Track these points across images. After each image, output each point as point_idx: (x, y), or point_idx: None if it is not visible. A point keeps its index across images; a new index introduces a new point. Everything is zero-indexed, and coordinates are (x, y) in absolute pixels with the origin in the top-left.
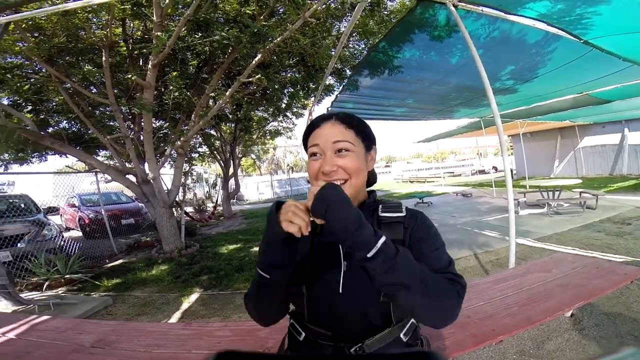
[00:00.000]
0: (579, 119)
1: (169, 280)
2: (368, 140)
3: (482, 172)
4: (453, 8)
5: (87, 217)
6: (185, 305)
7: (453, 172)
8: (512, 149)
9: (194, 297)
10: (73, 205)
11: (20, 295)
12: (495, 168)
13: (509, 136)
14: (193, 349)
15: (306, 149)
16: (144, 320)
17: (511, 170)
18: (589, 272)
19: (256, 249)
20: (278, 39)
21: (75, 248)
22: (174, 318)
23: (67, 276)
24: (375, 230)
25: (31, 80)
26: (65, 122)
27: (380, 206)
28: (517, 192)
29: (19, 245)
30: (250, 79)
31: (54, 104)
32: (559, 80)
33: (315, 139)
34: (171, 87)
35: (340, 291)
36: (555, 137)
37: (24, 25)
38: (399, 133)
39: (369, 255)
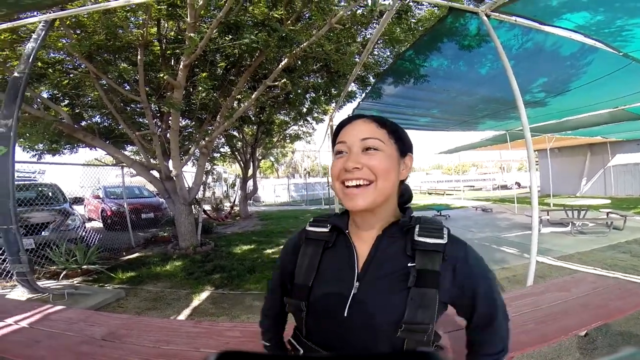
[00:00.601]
0: (611, 135)
1: (182, 277)
2: (403, 144)
3: (504, 187)
4: (485, 18)
5: (110, 209)
6: (196, 302)
7: (474, 186)
8: (537, 164)
9: (204, 295)
10: (97, 197)
11: (37, 283)
12: (518, 184)
13: (535, 151)
14: (202, 347)
15: (333, 150)
16: (154, 315)
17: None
18: (610, 292)
19: (269, 250)
20: (304, 44)
21: (95, 239)
22: (183, 315)
23: (85, 267)
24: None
25: (70, 75)
26: (97, 117)
27: (418, 227)
28: (540, 210)
29: (43, 233)
30: (276, 83)
31: (88, 99)
32: (593, 93)
33: (343, 136)
34: (200, 88)
35: (345, 314)
36: (585, 153)
37: (68, 22)
38: (419, 142)
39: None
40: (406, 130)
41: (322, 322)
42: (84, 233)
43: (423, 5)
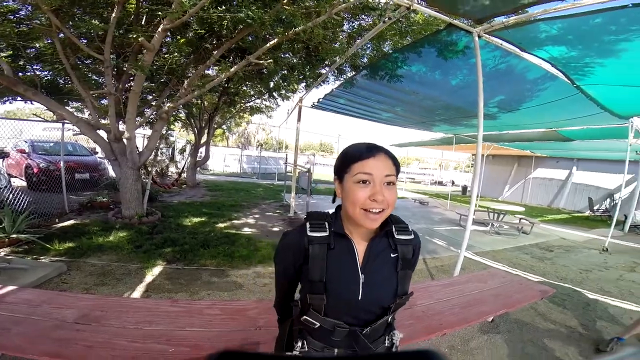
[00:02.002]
0: (538, 151)
1: (129, 249)
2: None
3: (440, 183)
4: (477, 38)
5: (37, 166)
6: (149, 278)
7: (414, 179)
8: (472, 166)
9: (157, 269)
10: (21, 151)
11: None
12: (452, 182)
13: (472, 155)
14: (186, 326)
15: (343, 171)
16: (105, 292)
17: (465, 187)
18: (514, 287)
19: (222, 225)
20: (299, 28)
21: (23, 202)
22: (138, 291)
23: (14, 236)
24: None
25: (20, 26)
26: (44, 71)
27: (394, 227)
28: (466, 209)
29: None
30: (261, 61)
31: (32, 50)
32: (537, 114)
33: (367, 167)
34: (175, 53)
35: (359, 298)
36: (513, 163)
37: None
38: (373, 132)
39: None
40: (367, 121)
41: (339, 305)
42: (9, 194)
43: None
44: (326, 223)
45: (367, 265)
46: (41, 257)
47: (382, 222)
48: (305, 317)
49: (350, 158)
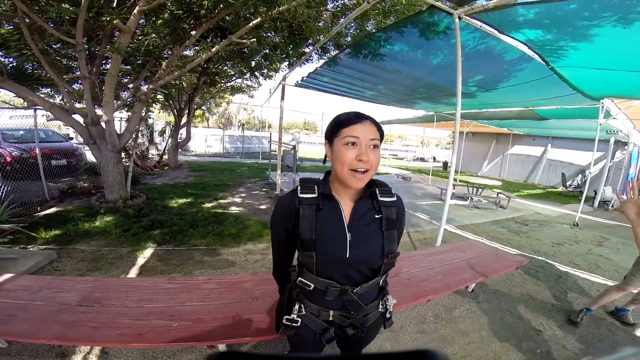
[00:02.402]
0: (516, 129)
1: (118, 233)
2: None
3: (422, 159)
4: (457, 20)
5: (9, 155)
6: (141, 260)
7: (397, 155)
8: (452, 143)
9: (148, 252)
10: None
11: None
12: (433, 157)
13: (452, 132)
14: (186, 301)
15: (333, 135)
16: (99, 276)
17: (446, 163)
18: (491, 257)
19: (208, 205)
20: (283, 7)
21: (1, 192)
22: (132, 274)
23: None
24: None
25: None
26: (8, 58)
27: (377, 190)
28: (446, 184)
29: None
30: (244, 41)
31: None
32: (513, 93)
33: (355, 130)
34: (152, 34)
35: (347, 256)
36: (491, 141)
37: None
38: (357, 109)
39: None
40: (350, 99)
41: (328, 263)
42: None
43: None
44: (315, 186)
45: (353, 224)
46: (29, 246)
47: (367, 185)
48: (300, 278)
49: (340, 123)
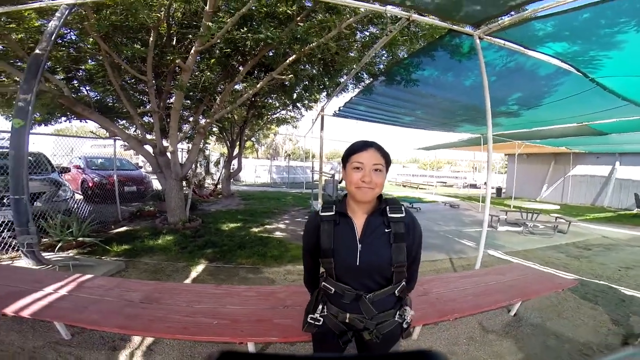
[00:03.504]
0: (576, 147)
1: (176, 250)
2: (388, 165)
3: (473, 186)
4: (478, 40)
5: (92, 180)
6: (194, 274)
7: (446, 182)
8: (506, 167)
9: (200, 267)
10: (77, 167)
11: (42, 254)
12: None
13: (505, 155)
14: (228, 304)
15: (345, 161)
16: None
17: (500, 189)
18: (532, 279)
19: (255, 229)
20: (314, 44)
21: (84, 211)
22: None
23: (80, 239)
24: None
25: (71, 50)
26: (94, 92)
27: (388, 207)
28: (499, 210)
29: (36, 204)
30: (283, 77)
31: (82, 73)
32: (561, 109)
33: (360, 157)
34: (208, 72)
35: (358, 263)
36: (549, 162)
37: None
38: (399, 136)
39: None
40: (390, 126)
41: (344, 270)
42: (73, 204)
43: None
44: (334, 206)
45: (364, 237)
46: (103, 257)
47: (379, 204)
48: (324, 283)
49: (349, 151)
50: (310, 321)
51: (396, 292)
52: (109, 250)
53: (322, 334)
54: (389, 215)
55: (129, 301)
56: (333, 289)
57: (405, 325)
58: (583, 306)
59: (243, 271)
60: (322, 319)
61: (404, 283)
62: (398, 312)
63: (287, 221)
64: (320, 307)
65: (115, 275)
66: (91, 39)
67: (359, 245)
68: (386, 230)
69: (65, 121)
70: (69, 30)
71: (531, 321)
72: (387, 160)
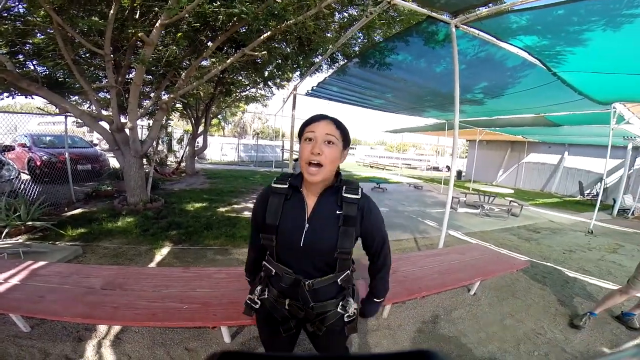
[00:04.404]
0: (531, 136)
1: (137, 233)
2: (346, 142)
3: (436, 168)
4: (454, 29)
5: (40, 159)
6: (158, 257)
7: (410, 165)
8: (467, 152)
9: (165, 250)
10: (23, 145)
11: None
12: (448, 167)
13: (467, 140)
14: (197, 288)
15: (300, 136)
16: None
17: (460, 172)
18: (490, 259)
19: (222, 209)
20: (291, 21)
21: (33, 193)
22: None
23: (29, 223)
24: (378, 300)
25: (17, 23)
26: (42, 67)
27: (344, 187)
28: (459, 192)
29: None
30: (256, 53)
31: (28, 46)
32: (522, 100)
33: (312, 127)
34: (173, 47)
35: (301, 244)
36: (506, 149)
37: None
38: (368, 119)
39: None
40: (361, 108)
41: (286, 250)
42: (19, 185)
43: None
44: (289, 179)
45: (313, 216)
46: (57, 242)
47: (335, 182)
48: (264, 262)
49: (304, 124)
50: (248, 302)
51: (339, 280)
52: (64, 235)
53: (264, 319)
54: (343, 194)
55: (90, 288)
56: (274, 270)
57: (347, 319)
58: (533, 287)
59: (211, 253)
60: (259, 302)
61: (348, 272)
62: (341, 303)
63: (255, 200)
64: (259, 288)
65: (73, 261)
66: (42, 12)
67: (306, 225)
68: (337, 212)
69: (8, 97)
70: (16, 3)
71: (489, 300)
72: (344, 135)
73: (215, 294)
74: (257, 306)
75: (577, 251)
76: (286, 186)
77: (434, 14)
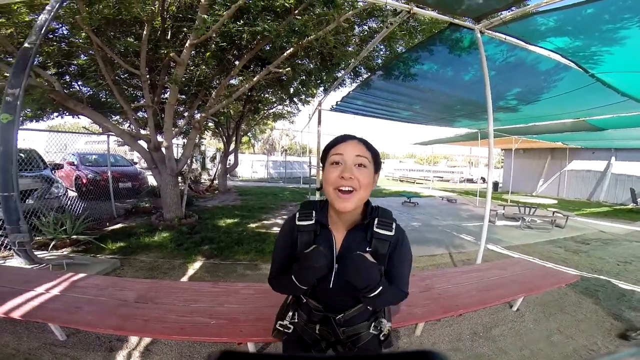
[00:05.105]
0: (571, 142)
1: (172, 247)
2: (377, 165)
3: (470, 180)
4: (479, 35)
5: (85, 177)
6: (191, 271)
7: (442, 177)
8: (502, 162)
9: (197, 264)
10: (71, 163)
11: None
12: (483, 179)
13: (502, 150)
14: (225, 303)
15: (324, 159)
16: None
17: (497, 183)
18: (535, 274)
19: (253, 225)
20: (312, 37)
21: (78, 208)
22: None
23: (74, 237)
24: (380, 279)
25: (62, 45)
26: (86, 87)
27: (377, 221)
28: (497, 204)
29: (28, 201)
30: (280, 70)
31: (73, 67)
32: (559, 104)
33: (340, 149)
34: (203, 66)
35: (331, 286)
36: (546, 157)
37: None
38: (396, 131)
39: (369, 295)
40: (387, 121)
41: (316, 289)
42: (67, 201)
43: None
44: (313, 212)
45: (342, 255)
46: (98, 255)
47: (366, 215)
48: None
49: (328, 146)
50: (279, 328)
51: (369, 307)
52: (104, 248)
53: (293, 341)
54: (375, 230)
55: (124, 301)
56: (304, 299)
57: (382, 338)
58: (584, 301)
59: (241, 268)
60: (292, 327)
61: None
62: (373, 324)
63: (284, 216)
64: (290, 313)
65: (111, 273)
66: (83, 33)
67: (335, 266)
68: (367, 249)
69: (57, 116)
70: (60, 25)
71: (534, 316)
72: (375, 157)
73: (243, 310)
74: (289, 331)
75: (635, 262)
76: (312, 222)
77: (456, 21)
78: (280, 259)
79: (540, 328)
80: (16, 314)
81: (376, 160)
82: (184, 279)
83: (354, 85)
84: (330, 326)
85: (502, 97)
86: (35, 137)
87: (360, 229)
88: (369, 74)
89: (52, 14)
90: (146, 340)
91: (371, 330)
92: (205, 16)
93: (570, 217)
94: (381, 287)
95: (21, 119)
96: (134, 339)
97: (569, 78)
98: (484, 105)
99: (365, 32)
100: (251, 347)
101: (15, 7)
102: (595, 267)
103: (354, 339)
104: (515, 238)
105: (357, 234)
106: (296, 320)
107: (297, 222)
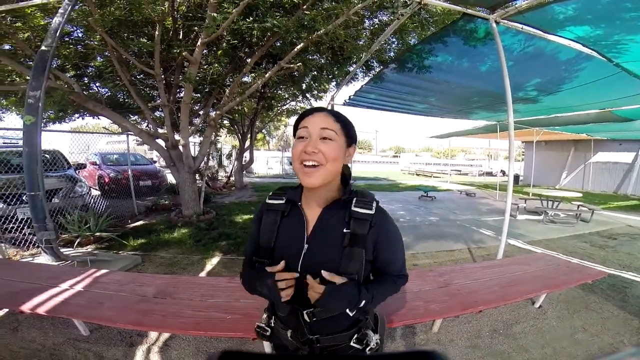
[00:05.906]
0: (596, 134)
1: (191, 244)
2: (350, 137)
3: (489, 174)
4: (494, 24)
5: (108, 176)
6: (209, 267)
7: (460, 171)
8: (523, 154)
9: (215, 260)
10: (93, 163)
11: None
12: (503, 172)
13: (522, 142)
14: (241, 298)
15: (294, 134)
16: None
17: (517, 176)
18: (559, 269)
19: None
20: (321, 31)
21: (101, 207)
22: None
23: (97, 234)
24: (360, 296)
25: (78, 47)
26: (101, 87)
27: (355, 200)
28: (518, 198)
29: (53, 200)
30: (291, 65)
31: (91, 69)
32: (582, 95)
33: (305, 122)
34: (215, 64)
35: (299, 268)
36: (569, 149)
37: None
38: (411, 125)
39: (350, 314)
40: (402, 114)
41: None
42: (90, 200)
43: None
44: (288, 192)
45: (314, 235)
46: (120, 252)
47: (344, 193)
48: None
49: (297, 120)
50: (258, 329)
51: (347, 311)
52: (126, 245)
53: (277, 345)
54: (352, 209)
55: (143, 296)
56: None
57: (368, 352)
58: (611, 298)
59: None
60: (269, 330)
61: (363, 301)
62: (356, 336)
63: None
64: (264, 315)
65: (132, 269)
66: (98, 36)
67: (305, 246)
68: (344, 230)
69: (79, 118)
70: (75, 28)
71: (557, 314)
72: (347, 129)
73: (257, 305)
74: (267, 334)
75: None
76: (282, 201)
77: (469, 11)
78: (252, 250)
79: (564, 325)
80: (42, 310)
81: (348, 133)
82: (202, 274)
83: (367, 79)
84: (299, 326)
85: (521, 88)
86: (59, 139)
87: (338, 207)
88: (382, 67)
89: (65, 16)
90: (165, 335)
91: (353, 344)
92: (215, 14)
93: (596, 210)
94: (364, 301)
95: (44, 121)
96: (153, 334)
97: (591, 68)
98: (502, 96)
99: (376, 25)
100: (266, 342)
101: (29, 11)
102: (623, 263)
103: (330, 352)
104: (537, 232)
105: (335, 212)
106: (273, 325)
107: (267, 201)
